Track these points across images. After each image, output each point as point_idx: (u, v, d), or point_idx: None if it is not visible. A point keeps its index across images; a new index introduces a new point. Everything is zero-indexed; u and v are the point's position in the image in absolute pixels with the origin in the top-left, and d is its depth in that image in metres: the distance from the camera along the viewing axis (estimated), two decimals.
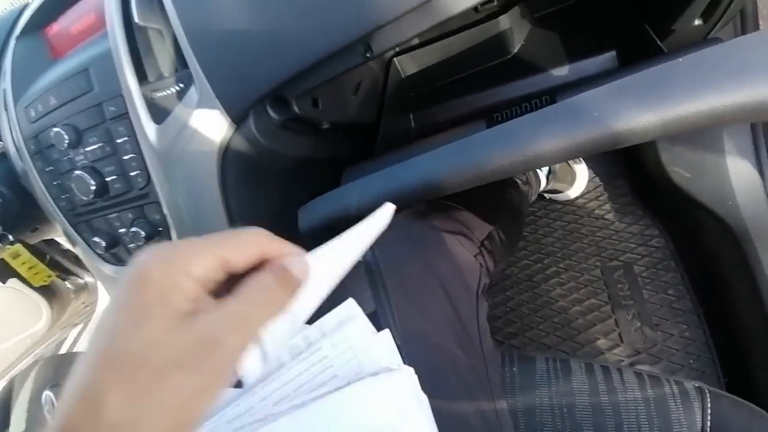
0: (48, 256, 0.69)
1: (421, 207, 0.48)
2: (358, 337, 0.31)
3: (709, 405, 0.34)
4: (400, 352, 0.31)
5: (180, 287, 0.18)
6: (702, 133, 0.61)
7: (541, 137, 0.35)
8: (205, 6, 0.40)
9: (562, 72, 0.60)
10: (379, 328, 0.32)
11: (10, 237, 0.59)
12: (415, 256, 0.41)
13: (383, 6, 0.37)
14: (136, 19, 0.42)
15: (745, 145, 0.59)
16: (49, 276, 0.69)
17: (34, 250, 0.65)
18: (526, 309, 0.77)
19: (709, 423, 0.33)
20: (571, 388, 0.38)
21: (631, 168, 0.83)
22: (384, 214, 0.30)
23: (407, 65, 0.67)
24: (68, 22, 0.53)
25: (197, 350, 0.17)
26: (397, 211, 0.46)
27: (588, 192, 0.86)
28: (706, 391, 0.34)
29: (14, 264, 0.61)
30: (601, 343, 0.70)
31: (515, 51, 0.64)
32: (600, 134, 0.33)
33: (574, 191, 0.86)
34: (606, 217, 0.82)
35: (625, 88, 0.33)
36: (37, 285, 0.66)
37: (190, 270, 0.18)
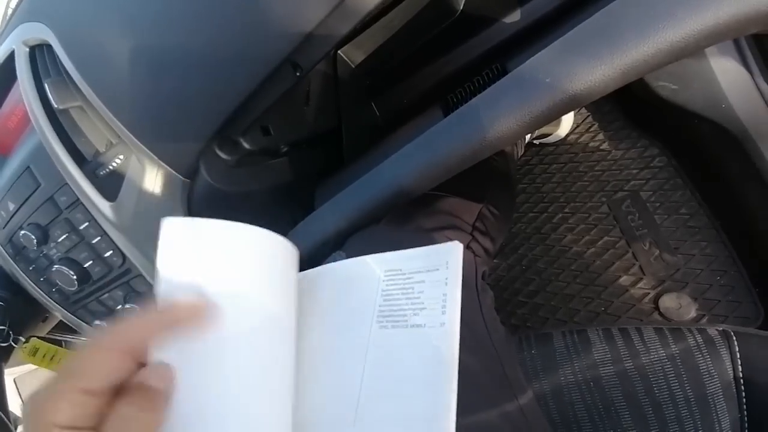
0: (63, 342, 0.69)
1: (400, 209, 0.46)
2: None
3: (737, 349, 0.32)
4: None
5: None
6: None
7: (497, 118, 0.33)
8: (116, 74, 0.37)
9: (514, 18, 0.56)
10: None
11: (22, 338, 0.60)
12: None
13: (293, 22, 0.34)
14: (54, 103, 0.40)
15: (726, 43, 0.54)
16: None
17: (48, 340, 0.65)
18: (541, 263, 0.76)
19: (740, 369, 0.31)
20: (593, 360, 0.37)
21: (616, 91, 0.79)
22: None
23: (354, 54, 0.63)
24: (4, 118, 0.51)
25: None
26: (376, 220, 0.45)
27: (578, 126, 0.82)
28: (732, 334, 0.33)
29: (35, 362, 0.61)
30: (624, 280, 0.68)
31: (461, 7, 0.59)
32: (558, 99, 0.31)
33: (563, 129, 0.82)
34: (602, 147, 0.78)
35: (572, 44, 0.30)
36: None
37: (57, 420, 0.17)
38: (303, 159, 0.57)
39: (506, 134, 0.33)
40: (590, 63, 0.29)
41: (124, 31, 0.38)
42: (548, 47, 0.30)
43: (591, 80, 0.29)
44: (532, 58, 0.31)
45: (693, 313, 0.62)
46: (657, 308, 0.65)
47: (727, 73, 0.56)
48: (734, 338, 0.33)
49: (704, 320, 0.61)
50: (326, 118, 0.59)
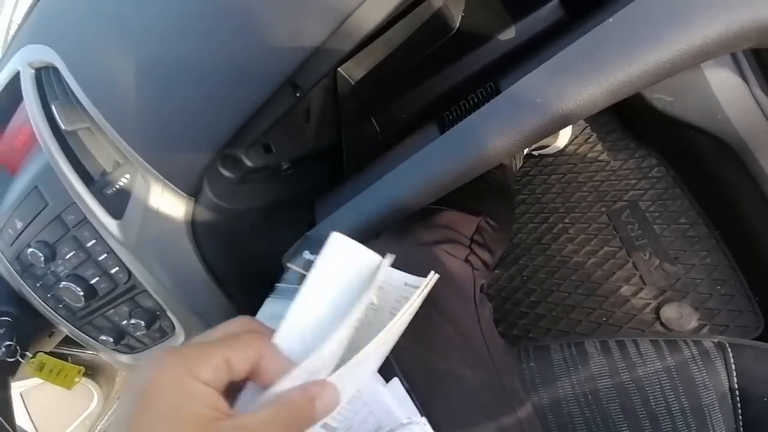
0: (69, 357, 0.70)
1: (399, 223, 0.46)
2: (371, 391, 0.30)
3: (732, 361, 0.32)
4: (408, 395, 0.31)
5: (197, 395, 0.18)
6: None
7: (491, 136, 0.34)
8: (122, 97, 0.39)
9: (509, 35, 0.57)
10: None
11: (29, 353, 0.61)
12: None
13: (294, 44, 0.35)
14: (62, 126, 0.41)
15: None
16: (79, 371, 0.70)
17: (54, 354, 0.66)
18: (542, 274, 0.76)
19: (736, 381, 0.31)
20: (590, 372, 0.37)
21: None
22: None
23: (353, 71, 0.64)
24: (11, 137, 0.53)
25: None
26: (375, 235, 0.46)
27: (576, 137, 0.83)
28: (727, 345, 0.33)
29: (42, 377, 0.62)
30: (625, 290, 0.68)
31: (457, 25, 0.60)
32: (548, 119, 0.32)
33: (561, 141, 0.83)
34: (600, 158, 0.79)
35: (561, 64, 0.31)
36: (70, 388, 0.67)
37: (200, 375, 0.18)
38: (304, 175, 0.58)
39: (499, 152, 0.34)
40: (578, 84, 0.30)
41: (129, 55, 0.39)
42: (539, 68, 0.31)
43: (580, 100, 0.30)
44: (524, 78, 0.32)
45: (694, 323, 0.62)
46: (658, 318, 0.65)
47: (724, 84, 0.56)
48: (729, 350, 0.33)
49: (705, 330, 0.61)
50: (327, 134, 0.61)
